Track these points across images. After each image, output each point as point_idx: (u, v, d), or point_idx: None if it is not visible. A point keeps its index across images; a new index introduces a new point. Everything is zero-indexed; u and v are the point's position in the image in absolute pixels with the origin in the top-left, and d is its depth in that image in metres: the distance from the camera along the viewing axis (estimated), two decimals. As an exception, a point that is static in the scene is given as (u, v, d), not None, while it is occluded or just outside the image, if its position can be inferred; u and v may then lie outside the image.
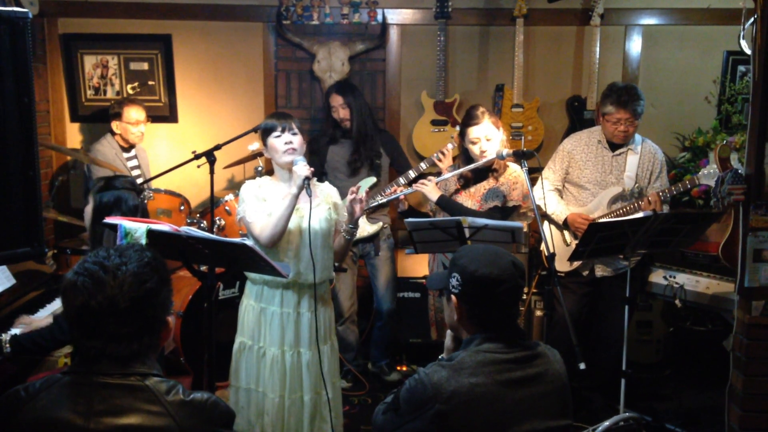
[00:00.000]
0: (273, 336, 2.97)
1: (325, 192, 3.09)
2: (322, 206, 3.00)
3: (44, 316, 3.02)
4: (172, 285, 1.71)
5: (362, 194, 2.95)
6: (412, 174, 4.06)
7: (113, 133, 4.60)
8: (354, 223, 2.98)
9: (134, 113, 4.53)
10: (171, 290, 1.67)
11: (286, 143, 2.91)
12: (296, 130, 2.96)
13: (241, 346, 3.04)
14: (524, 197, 3.57)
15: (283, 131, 2.93)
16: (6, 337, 2.68)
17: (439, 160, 3.96)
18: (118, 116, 4.53)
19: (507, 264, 1.93)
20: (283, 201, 2.83)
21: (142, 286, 1.56)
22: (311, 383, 2.98)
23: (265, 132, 2.97)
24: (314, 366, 2.97)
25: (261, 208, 2.91)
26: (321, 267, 2.98)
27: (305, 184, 2.78)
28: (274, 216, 2.83)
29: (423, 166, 4.06)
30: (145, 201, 3.21)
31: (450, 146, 4.02)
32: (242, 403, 3.02)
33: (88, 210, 2.88)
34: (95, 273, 1.55)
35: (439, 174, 3.82)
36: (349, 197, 2.93)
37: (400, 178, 4.08)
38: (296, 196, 2.82)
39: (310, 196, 2.80)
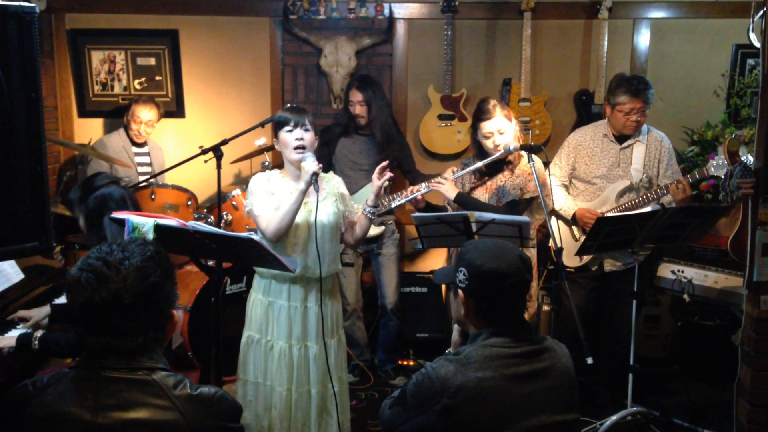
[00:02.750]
0: (280, 330, 2.98)
1: (332, 183, 3.09)
2: (329, 199, 3.01)
3: (44, 307, 3.03)
4: (179, 279, 1.71)
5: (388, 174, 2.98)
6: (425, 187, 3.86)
7: (126, 128, 4.62)
8: (376, 203, 3.00)
9: (140, 112, 4.54)
10: (175, 283, 1.68)
11: (297, 139, 2.90)
12: (309, 126, 2.94)
13: (248, 340, 3.05)
14: (542, 186, 3.54)
15: (295, 126, 2.92)
16: (38, 334, 2.70)
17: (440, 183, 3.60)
18: (128, 110, 4.56)
19: (514, 258, 1.92)
20: (290, 196, 2.83)
21: (146, 280, 1.57)
22: (318, 377, 2.99)
23: (277, 125, 2.97)
24: (321, 360, 2.97)
25: (269, 201, 2.91)
26: (329, 260, 2.98)
27: (313, 180, 2.78)
28: (281, 211, 2.83)
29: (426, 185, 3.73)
30: (130, 188, 3.21)
31: (450, 172, 3.81)
32: (250, 396, 3.03)
33: (83, 224, 2.89)
34: (98, 269, 1.55)
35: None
36: (378, 181, 2.96)
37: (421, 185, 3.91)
38: (304, 192, 2.82)
39: (317, 191, 2.79)
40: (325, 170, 4.28)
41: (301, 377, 2.98)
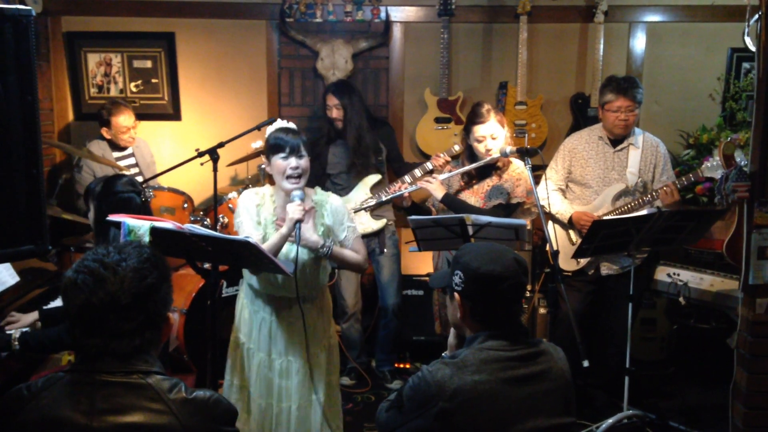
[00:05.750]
0: (262, 341, 2.94)
1: (321, 211, 2.91)
2: (316, 229, 2.87)
3: (33, 313, 3.02)
4: (175, 282, 1.71)
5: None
6: (418, 173, 4.05)
7: (102, 137, 4.58)
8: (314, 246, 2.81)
9: (123, 120, 4.50)
10: (171, 286, 1.68)
11: (293, 168, 2.76)
12: (304, 152, 2.79)
13: (235, 341, 3.03)
14: (528, 193, 3.57)
15: (290, 154, 2.76)
16: (16, 334, 2.69)
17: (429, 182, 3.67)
18: (107, 124, 4.52)
19: (509, 261, 1.93)
20: (274, 235, 2.77)
21: (143, 281, 1.57)
22: (303, 390, 2.93)
23: (271, 149, 2.81)
24: (306, 373, 2.91)
25: (255, 232, 2.83)
26: (310, 282, 2.92)
27: (296, 228, 2.68)
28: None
29: (429, 165, 4.02)
30: (148, 200, 3.19)
31: (453, 149, 3.96)
32: (233, 398, 2.99)
33: (92, 217, 2.89)
34: (95, 270, 1.55)
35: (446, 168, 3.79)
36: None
37: (406, 177, 4.07)
38: (285, 237, 2.72)
39: (298, 243, 2.68)
40: (321, 180, 4.32)
41: (282, 392, 2.93)
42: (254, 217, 2.86)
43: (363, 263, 2.97)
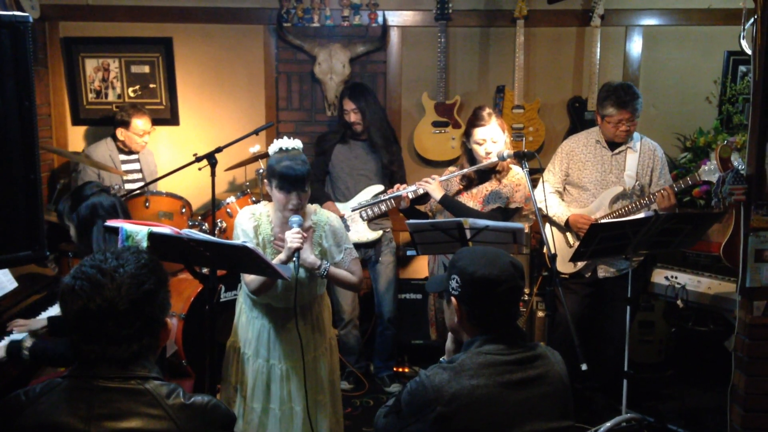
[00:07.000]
0: (262, 347, 2.95)
1: (318, 232, 2.90)
2: (313, 249, 2.85)
3: (42, 318, 3.02)
4: (174, 287, 1.71)
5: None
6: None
7: (114, 137, 4.60)
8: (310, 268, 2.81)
9: (141, 124, 4.54)
10: (169, 291, 1.68)
11: (294, 204, 2.73)
12: (307, 187, 2.75)
13: (232, 346, 3.04)
14: (526, 200, 3.58)
15: (292, 190, 2.71)
16: (27, 344, 2.68)
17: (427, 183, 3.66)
18: (125, 125, 4.54)
19: (506, 264, 1.93)
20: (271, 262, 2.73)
21: (141, 287, 1.57)
22: (304, 393, 2.93)
23: (273, 176, 2.74)
24: (308, 375, 2.92)
25: None
26: (308, 294, 2.93)
27: (295, 257, 2.67)
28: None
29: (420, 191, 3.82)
30: (119, 195, 3.14)
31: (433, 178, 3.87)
32: (232, 401, 3.00)
33: (73, 234, 2.88)
34: (93, 276, 1.55)
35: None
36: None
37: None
38: (284, 263, 2.71)
39: (297, 271, 2.67)
40: (323, 178, 4.33)
41: (282, 396, 2.93)
42: (252, 239, 2.86)
43: (358, 284, 2.99)
